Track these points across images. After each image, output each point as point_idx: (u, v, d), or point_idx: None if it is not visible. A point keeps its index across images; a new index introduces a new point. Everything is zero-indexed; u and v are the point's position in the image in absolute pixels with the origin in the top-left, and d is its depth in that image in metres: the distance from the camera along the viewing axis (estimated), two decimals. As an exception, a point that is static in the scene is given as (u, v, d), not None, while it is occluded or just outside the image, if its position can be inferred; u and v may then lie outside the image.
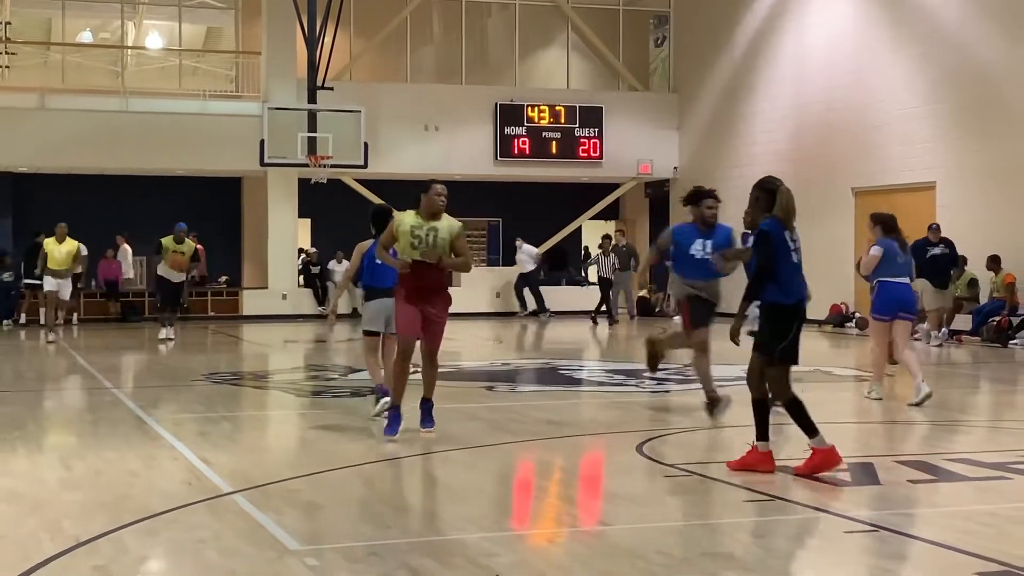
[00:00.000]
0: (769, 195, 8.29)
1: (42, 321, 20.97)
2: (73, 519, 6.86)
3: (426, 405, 9.78)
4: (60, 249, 19.77)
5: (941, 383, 14.02)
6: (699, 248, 11.16)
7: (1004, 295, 19.69)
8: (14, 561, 5.86)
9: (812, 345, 20.11)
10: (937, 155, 21.47)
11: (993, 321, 19.59)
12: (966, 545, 6.15)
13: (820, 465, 7.73)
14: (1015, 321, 19.24)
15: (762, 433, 8.00)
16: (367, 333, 10.90)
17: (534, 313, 27.26)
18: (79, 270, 21.41)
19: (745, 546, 6.29)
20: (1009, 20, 20.18)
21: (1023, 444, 9.33)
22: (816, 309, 23.91)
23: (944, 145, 21.29)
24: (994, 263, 19.84)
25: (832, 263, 24.10)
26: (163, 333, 19.98)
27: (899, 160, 22.52)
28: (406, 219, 9.55)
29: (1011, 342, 19.02)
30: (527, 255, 27.44)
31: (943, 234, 19.20)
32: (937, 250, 18.86)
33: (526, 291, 27.57)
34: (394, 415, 9.50)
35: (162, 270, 20.00)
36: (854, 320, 22.97)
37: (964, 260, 20.28)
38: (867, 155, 23.27)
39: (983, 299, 20.15)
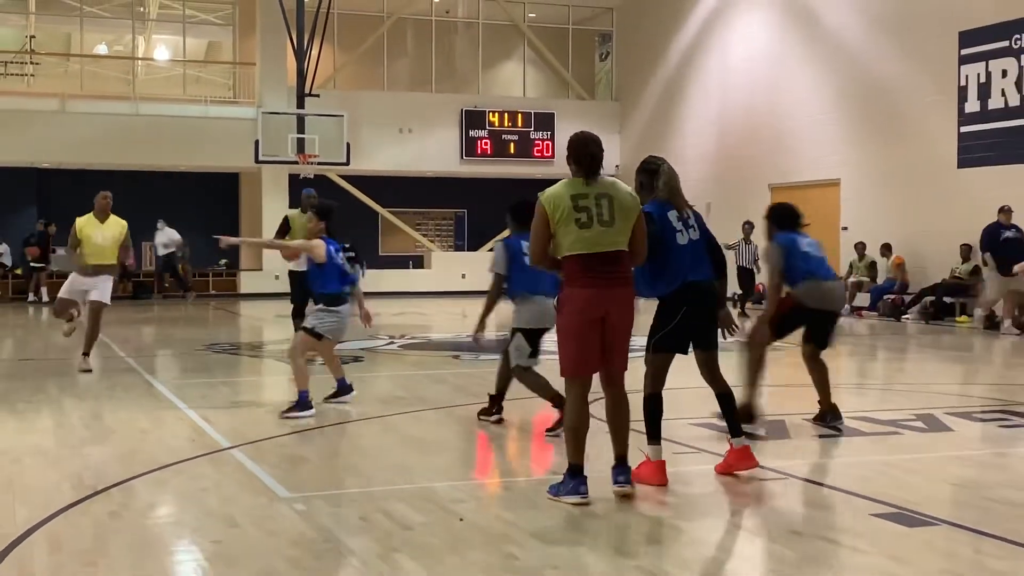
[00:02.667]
0: (651, 176, 6.99)
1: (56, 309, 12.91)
2: (91, 471, 6.84)
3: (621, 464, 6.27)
4: (103, 232, 11.87)
5: (844, 352, 14.16)
6: None
7: (896, 275, 19.94)
8: (39, 507, 5.85)
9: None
10: (841, 156, 21.62)
11: (888, 298, 19.81)
12: (863, 490, 6.22)
13: (648, 476, 6.33)
14: (907, 299, 19.46)
15: (734, 430, 6.73)
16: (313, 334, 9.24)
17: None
18: (129, 260, 13.67)
19: (674, 492, 6.33)
20: (902, 39, 20.31)
21: (913, 404, 9.43)
22: (736, 284, 24.14)
23: (847, 147, 21.44)
24: (887, 249, 20.11)
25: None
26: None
27: (809, 160, 22.66)
28: (558, 191, 6.13)
29: (903, 316, 19.23)
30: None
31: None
32: (1010, 233, 16.40)
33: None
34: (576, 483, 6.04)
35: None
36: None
37: (863, 246, 20.50)
38: (782, 155, 23.40)
39: (880, 281, 20.35)
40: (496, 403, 8.66)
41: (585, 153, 6.28)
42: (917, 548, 5.17)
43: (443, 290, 27.28)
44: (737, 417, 6.80)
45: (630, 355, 6.32)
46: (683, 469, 6.99)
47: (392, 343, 15.42)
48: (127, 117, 25.81)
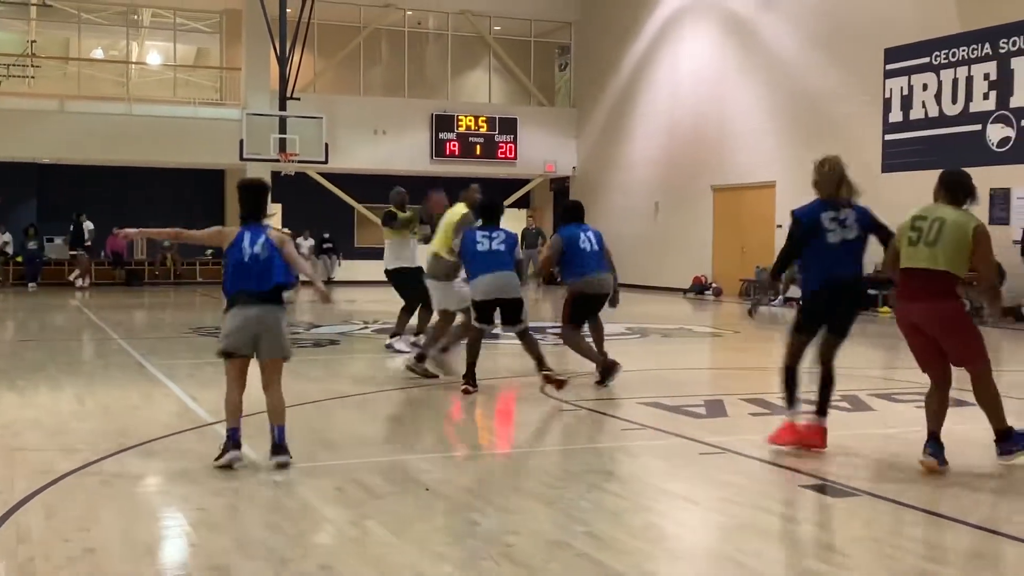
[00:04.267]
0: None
1: None
2: (85, 443, 6.77)
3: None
4: None
5: (778, 339, 14.24)
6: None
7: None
8: (37, 476, 5.79)
9: (678, 309, 20.43)
10: (777, 160, 21.75)
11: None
12: (792, 464, 6.27)
13: (793, 437, 6.52)
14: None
15: (822, 409, 6.67)
16: (225, 354, 6.30)
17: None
18: None
19: (622, 464, 6.37)
20: (833, 55, 20.46)
21: (839, 386, 9.45)
22: (682, 279, 24.29)
23: (782, 152, 21.57)
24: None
25: (694, 244, 24.40)
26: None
27: (748, 163, 22.79)
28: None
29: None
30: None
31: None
32: None
33: None
34: None
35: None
36: (711, 289, 23.25)
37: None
38: (723, 159, 23.52)
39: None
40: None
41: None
42: (841, 516, 5.22)
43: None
44: (829, 398, 6.73)
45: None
46: (630, 444, 7.02)
47: (366, 328, 15.37)
48: (121, 117, 25.57)
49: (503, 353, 11.84)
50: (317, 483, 5.79)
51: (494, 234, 9.15)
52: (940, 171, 6.63)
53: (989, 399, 6.22)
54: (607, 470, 6.11)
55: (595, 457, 6.45)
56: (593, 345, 9.71)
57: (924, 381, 8.60)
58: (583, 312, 9.57)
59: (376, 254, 29.81)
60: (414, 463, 6.29)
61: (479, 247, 9.01)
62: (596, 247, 9.54)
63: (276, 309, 6.17)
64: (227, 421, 6.18)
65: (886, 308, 18.46)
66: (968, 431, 7.03)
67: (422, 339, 10.87)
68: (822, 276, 6.56)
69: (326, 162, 25.10)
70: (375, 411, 8.43)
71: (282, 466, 6.01)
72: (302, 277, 6.75)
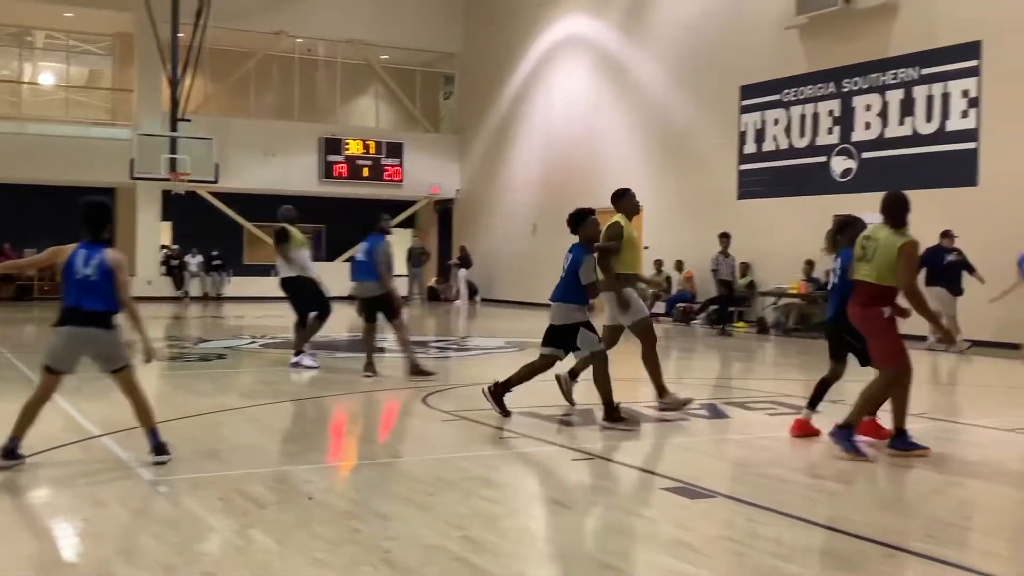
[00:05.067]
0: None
1: None
2: (-32, 458, 6.44)
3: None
4: None
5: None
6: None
7: (686, 287, 20.55)
8: (-84, 492, 5.48)
9: (544, 324, 20.57)
10: (645, 186, 22.04)
11: (680, 307, 20.39)
12: (657, 468, 6.38)
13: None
14: (696, 307, 20.06)
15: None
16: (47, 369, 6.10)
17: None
18: None
19: (498, 471, 6.36)
20: (695, 91, 20.94)
21: (699, 396, 9.66)
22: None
23: (649, 178, 21.94)
24: (680, 265, 20.70)
25: (570, 263, 24.63)
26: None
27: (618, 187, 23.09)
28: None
29: (692, 321, 19.82)
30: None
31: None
32: (952, 256, 14.39)
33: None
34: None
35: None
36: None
37: (660, 262, 21.01)
38: (596, 185, 23.75)
39: (674, 292, 20.91)
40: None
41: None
42: (699, 517, 5.31)
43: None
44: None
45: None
46: (507, 452, 7.03)
47: (254, 342, 15.07)
48: (13, 136, 24.59)
49: (388, 365, 11.74)
50: (202, 494, 5.62)
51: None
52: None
53: (881, 399, 6.80)
54: (483, 477, 6.09)
55: (473, 464, 6.42)
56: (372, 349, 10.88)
57: (774, 391, 8.84)
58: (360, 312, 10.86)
59: (265, 271, 29.41)
60: (298, 473, 6.17)
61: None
62: (363, 257, 10.72)
63: (102, 331, 5.98)
64: (15, 428, 5.99)
65: (741, 323, 18.95)
66: (824, 428, 7.24)
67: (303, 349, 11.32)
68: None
69: (216, 182, 24.57)
70: (261, 423, 8.25)
71: (161, 464, 6.01)
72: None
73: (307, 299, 11.59)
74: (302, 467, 6.42)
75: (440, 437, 7.60)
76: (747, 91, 19.69)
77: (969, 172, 15.73)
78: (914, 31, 16.67)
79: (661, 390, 8.53)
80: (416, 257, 27.17)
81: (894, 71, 16.98)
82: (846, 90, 17.81)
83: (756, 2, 19.44)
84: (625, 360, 9.19)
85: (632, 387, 9.66)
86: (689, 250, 20.69)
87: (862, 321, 6.75)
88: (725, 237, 18.34)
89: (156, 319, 20.86)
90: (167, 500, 5.48)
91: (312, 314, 11.58)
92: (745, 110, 19.77)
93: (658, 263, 21.08)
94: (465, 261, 27.12)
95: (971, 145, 15.80)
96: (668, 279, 21.02)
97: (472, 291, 27.13)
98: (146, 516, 5.19)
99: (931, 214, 16.33)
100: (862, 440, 6.81)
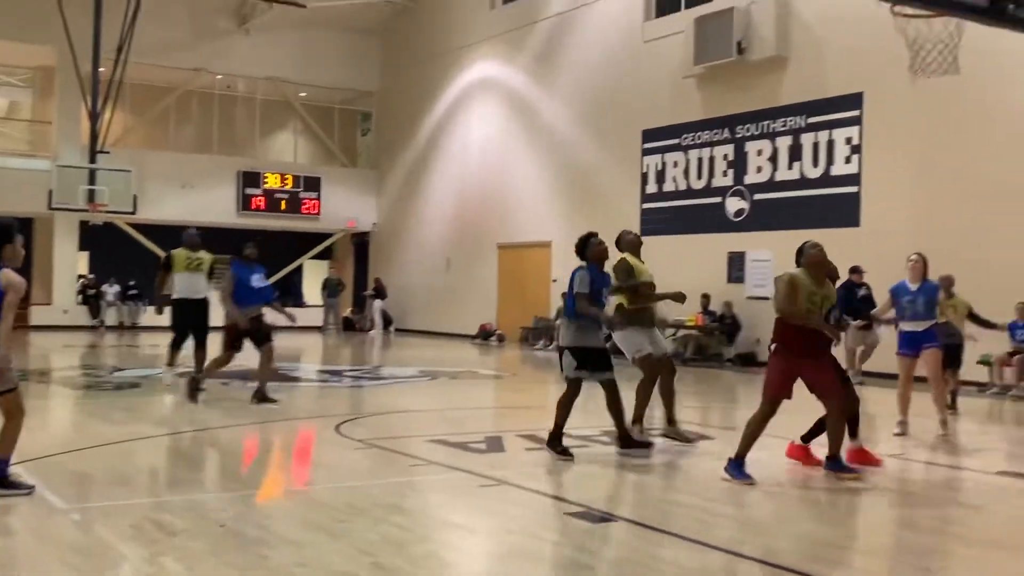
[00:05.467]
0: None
1: None
2: None
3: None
4: None
5: (550, 380, 14.52)
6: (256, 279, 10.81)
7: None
8: None
9: (465, 353, 20.56)
10: (553, 222, 22.33)
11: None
12: (561, 493, 6.41)
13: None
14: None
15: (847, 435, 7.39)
16: None
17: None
18: None
19: (407, 498, 6.32)
20: (601, 134, 21.24)
21: (598, 422, 9.71)
22: (470, 327, 24.51)
23: (558, 215, 22.16)
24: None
25: (481, 295, 24.70)
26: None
27: (528, 224, 23.30)
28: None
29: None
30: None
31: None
32: (863, 291, 14.03)
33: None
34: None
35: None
36: (495, 335, 23.55)
37: (566, 295, 21.13)
38: (507, 220, 23.97)
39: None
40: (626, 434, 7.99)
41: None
42: (600, 540, 5.35)
43: (217, 325, 26.28)
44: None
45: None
46: (416, 479, 6.99)
47: (170, 373, 14.68)
48: (-71, 165, 23.74)
49: (301, 395, 11.60)
50: (114, 522, 5.46)
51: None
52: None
53: (754, 429, 6.90)
54: (393, 504, 6.04)
55: (383, 492, 6.37)
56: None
57: (684, 419, 8.94)
58: (239, 337, 10.55)
59: (183, 301, 28.69)
60: (210, 501, 6.04)
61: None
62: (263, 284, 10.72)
63: None
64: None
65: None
66: (724, 452, 7.36)
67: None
68: None
69: (134, 212, 24.02)
70: (174, 452, 8.07)
71: None
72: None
73: (184, 321, 11.73)
74: (214, 495, 6.29)
75: (352, 465, 7.52)
76: (648, 135, 20.07)
77: (852, 214, 16.27)
78: (802, 82, 17.23)
79: (636, 419, 8.41)
80: (332, 288, 26.93)
81: (783, 119, 17.50)
82: (739, 136, 18.29)
83: (657, 52, 19.88)
84: (530, 389, 9.23)
85: (538, 414, 9.69)
86: (594, 284, 20.89)
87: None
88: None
89: (72, 348, 20.28)
90: (78, 528, 5.31)
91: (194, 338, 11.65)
92: (647, 152, 20.13)
93: (564, 295, 21.17)
94: (380, 292, 26.97)
95: (854, 189, 16.35)
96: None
97: (387, 321, 26.97)
98: (56, 544, 5.01)
99: (818, 252, 16.77)
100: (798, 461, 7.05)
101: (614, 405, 7.82)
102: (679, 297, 8.87)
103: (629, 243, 8.97)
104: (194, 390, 10.59)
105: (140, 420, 9.59)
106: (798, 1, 17.31)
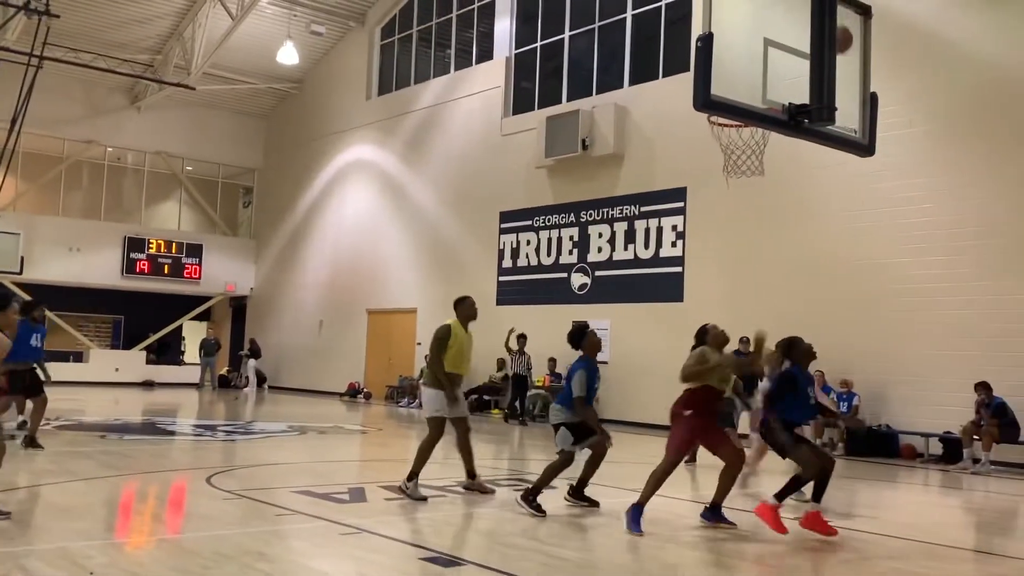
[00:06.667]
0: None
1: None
2: None
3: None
4: None
5: (412, 436, 14.34)
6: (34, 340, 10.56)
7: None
8: None
9: (334, 410, 20.11)
10: (419, 291, 22.33)
11: (473, 398, 20.34)
12: (416, 540, 6.30)
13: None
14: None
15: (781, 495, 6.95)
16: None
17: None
18: None
19: (272, 545, 6.09)
20: (463, 213, 21.49)
21: (456, 473, 9.66)
22: (339, 384, 24.04)
23: (423, 285, 22.18)
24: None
25: (350, 355, 24.31)
26: None
27: (396, 292, 23.20)
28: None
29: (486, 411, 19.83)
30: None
31: None
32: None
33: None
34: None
35: None
36: (363, 393, 23.16)
37: (428, 357, 21.03)
38: (377, 288, 23.81)
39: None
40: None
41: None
42: (451, 583, 5.27)
43: (99, 380, 25.02)
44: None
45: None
46: (281, 528, 6.75)
47: (48, 424, 13.81)
48: None
49: (176, 448, 11.08)
50: (-20, 573, 5.05)
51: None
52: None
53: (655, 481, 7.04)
54: (258, 551, 5.80)
55: (249, 540, 6.12)
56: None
57: (520, 469, 8.97)
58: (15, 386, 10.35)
59: (65, 357, 27.33)
60: (81, 550, 5.66)
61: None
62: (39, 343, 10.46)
63: None
64: None
65: (497, 410, 19.21)
66: (552, 500, 7.36)
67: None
68: None
69: (20, 273, 22.77)
70: (48, 501, 7.55)
71: None
72: None
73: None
74: (86, 543, 5.90)
75: (222, 515, 7.21)
76: (505, 216, 20.41)
77: (677, 290, 16.88)
78: (636, 176, 17.91)
79: (471, 473, 8.48)
80: (209, 347, 26.04)
81: (620, 207, 18.11)
82: (583, 220, 18.80)
83: (513, 145, 20.33)
84: (394, 443, 9.08)
85: (399, 466, 9.54)
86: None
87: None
88: (522, 338, 18.27)
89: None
90: (-58, 580, 4.89)
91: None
92: (503, 231, 20.44)
93: (427, 357, 21.07)
94: (255, 352, 26.21)
95: (678, 269, 16.99)
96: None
97: (260, 379, 26.18)
98: (-82, 597, 4.60)
99: (649, 323, 17.34)
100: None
101: (596, 465, 7.93)
102: (449, 386, 8.64)
103: (464, 313, 8.87)
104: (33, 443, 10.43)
105: (16, 472, 8.92)
106: (633, 107, 18.06)
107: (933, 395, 13.47)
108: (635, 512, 6.83)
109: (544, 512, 7.42)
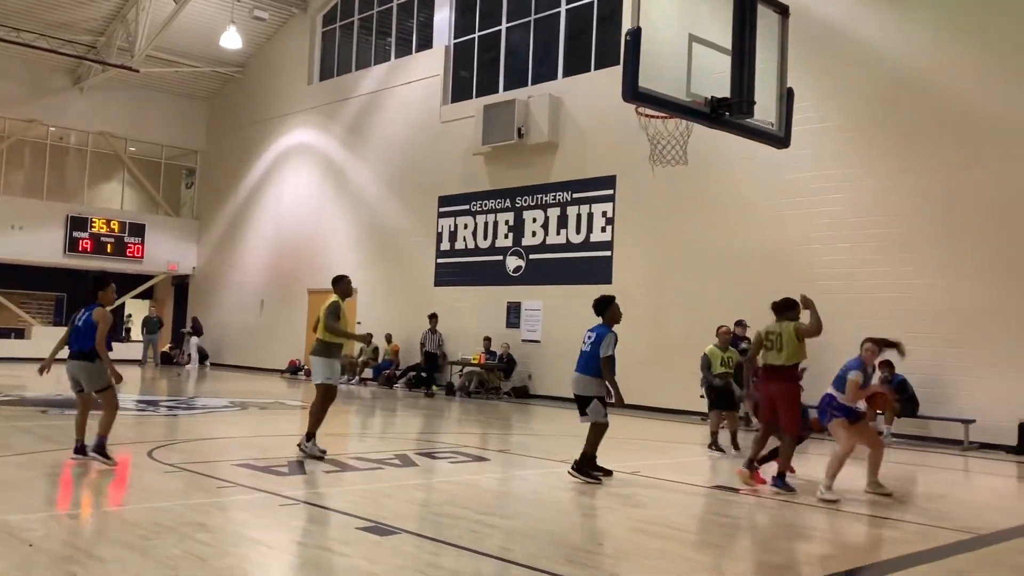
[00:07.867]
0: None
1: None
2: None
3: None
4: None
5: (351, 410, 14.22)
6: None
7: (392, 357, 20.57)
8: None
9: (275, 386, 19.85)
10: (360, 272, 22.10)
11: (385, 372, 20.36)
12: (353, 510, 6.26)
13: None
14: (398, 373, 20.12)
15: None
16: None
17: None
18: None
19: (212, 516, 5.99)
20: (403, 197, 21.31)
21: (394, 447, 9.66)
22: (280, 362, 23.73)
23: (365, 267, 21.96)
24: (389, 338, 20.71)
25: (291, 334, 24.00)
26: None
27: (336, 272, 22.75)
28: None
29: (395, 385, 19.84)
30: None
31: None
32: (745, 344, 12.77)
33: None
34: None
35: None
36: (303, 370, 22.92)
37: (370, 336, 20.89)
38: (317, 269, 23.51)
39: (380, 361, 20.85)
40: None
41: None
42: (387, 552, 5.26)
43: (41, 357, 24.13)
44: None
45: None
46: (222, 499, 6.65)
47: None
48: None
49: (118, 423, 10.78)
50: (-84, 546, 4.87)
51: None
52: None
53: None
54: (199, 522, 5.71)
55: (189, 511, 6.01)
56: None
57: (455, 443, 9.00)
58: None
59: (6, 334, 26.39)
60: (20, 522, 5.49)
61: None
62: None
63: None
64: None
65: (437, 387, 19.19)
66: (501, 471, 7.38)
67: None
68: None
69: (-41, 250, 21.88)
70: (-13, 476, 7.31)
71: None
72: None
73: None
74: (25, 516, 5.73)
75: (163, 487, 7.07)
76: (443, 200, 20.31)
77: (606, 273, 17.03)
78: (568, 164, 17.98)
79: (311, 435, 8.58)
80: (152, 325, 25.38)
81: (554, 193, 18.17)
82: (518, 205, 18.82)
83: (451, 132, 20.21)
84: (334, 418, 8.99)
85: (341, 440, 9.47)
86: (396, 326, 20.81)
87: (781, 396, 7.85)
88: (433, 317, 19.05)
89: None
90: None
91: None
92: (442, 215, 20.35)
93: (368, 337, 20.97)
94: (197, 329, 25.68)
95: (607, 253, 17.14)
96: (376, 350, 20.97)
97: (202, 356, 25.68)
98: None
99: (578, 305, 17.48)
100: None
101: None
102: (366, 339, 9.84)
103: (346, 290, 9.40)
104: None
105: (-48, 447, 8.63)
106: (567, 97, 18.10)
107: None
108: (778, 481, 7.69)
109: (599, 479, 7.79)
